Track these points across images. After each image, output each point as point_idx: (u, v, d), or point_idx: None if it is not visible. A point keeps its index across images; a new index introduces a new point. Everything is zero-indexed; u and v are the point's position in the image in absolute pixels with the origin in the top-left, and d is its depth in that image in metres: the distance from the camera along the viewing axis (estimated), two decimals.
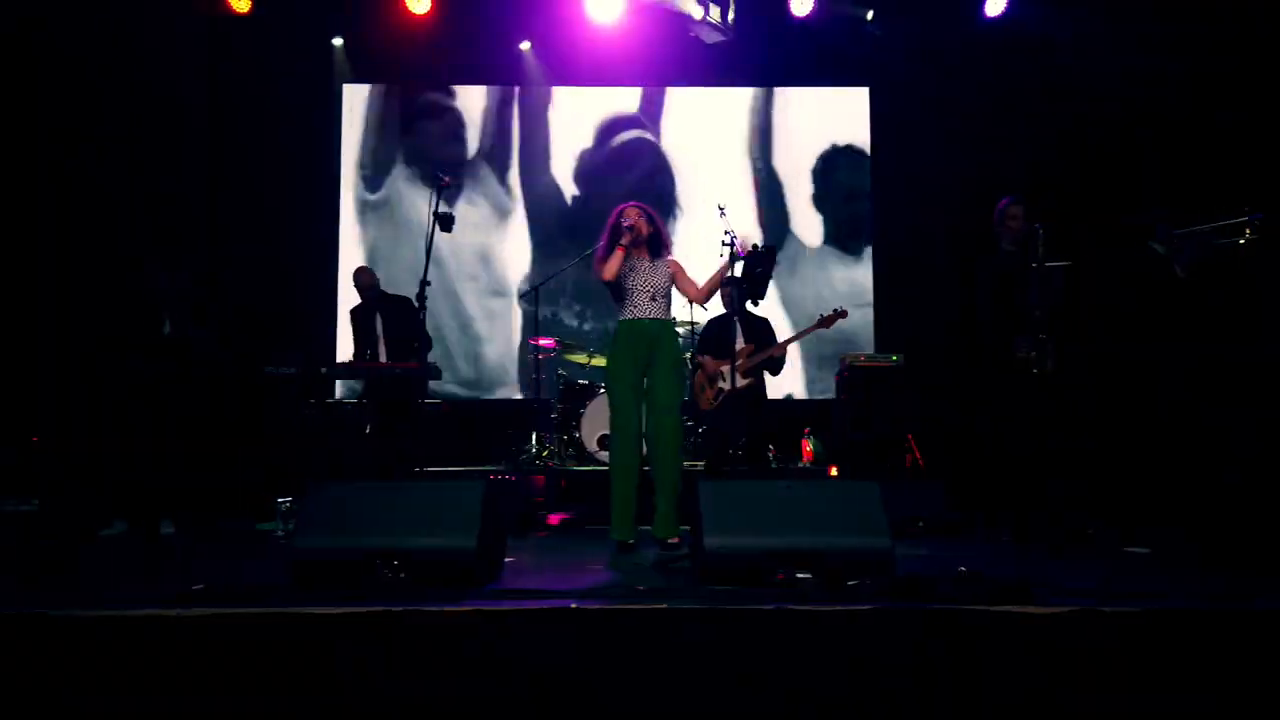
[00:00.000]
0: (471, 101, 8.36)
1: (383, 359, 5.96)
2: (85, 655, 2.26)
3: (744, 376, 5.73)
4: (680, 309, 4.95)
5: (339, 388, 7.52)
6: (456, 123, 8.36)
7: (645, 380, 4.26)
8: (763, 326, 5.98)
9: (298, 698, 2.24)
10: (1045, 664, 2.31)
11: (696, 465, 6.03)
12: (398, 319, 5.99)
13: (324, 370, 5.10)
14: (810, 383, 8.09)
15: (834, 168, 8.31)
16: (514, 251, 8.20)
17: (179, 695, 2.23)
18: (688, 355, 6.12)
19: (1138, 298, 4.61)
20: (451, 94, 8.37)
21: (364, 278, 6.19)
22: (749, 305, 5.08)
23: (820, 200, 8.31)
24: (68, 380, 5.90)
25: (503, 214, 8.25)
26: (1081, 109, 7.36)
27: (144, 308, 5.37)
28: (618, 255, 4.18)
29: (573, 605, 2.42)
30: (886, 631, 2.36)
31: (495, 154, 8.33)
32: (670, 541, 4.05)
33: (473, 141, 8.32)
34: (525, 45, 8.17)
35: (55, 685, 2.23)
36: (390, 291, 6.25)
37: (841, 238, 8.28)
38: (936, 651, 2.33)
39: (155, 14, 7.16)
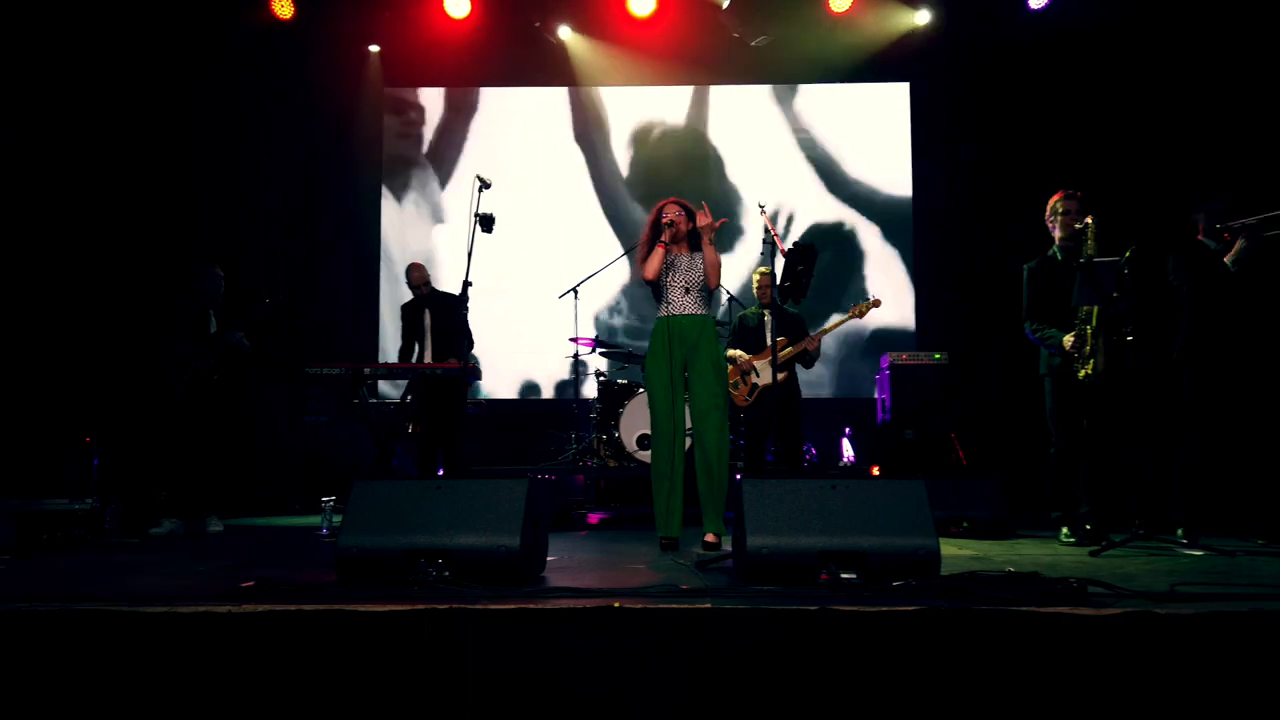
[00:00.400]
0: (512, 102, 8.42)
1: (428, 356, 6.02)
2: (140, 651, 2.31)
3: (779, 371, 5.70)
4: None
5: (383, 386, 7.61)
6: (497, 123, 8.42)
7: (686, 377, 4.24)
8: (795, 320, 5.94)
9: (344, 693, 2.26)
10: (1101, 669, 2.26)
11: (735, 463, 6.01)
12: (445, 316, 6.05)
13: (366, 371, 5.15)
14: (849, 381, 8.02)
15: (874, 163, 8.24)
16: (553, 249, 8.23)
17: (229, 690, 2.26)
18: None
19: (1191, 292, 4.51)
20: (493, 95, 8.43)
21: (414, 274, 6.26)
22: (790, 304, 5.02)
23: (860, 196, 8.24)
24: (125, 381, 6.04)
25: (540, 212, 8.29)
26: (1130, 98, 7.21)
27: (193, 307, 5.48)
28: (658, 253, 4.17)
29: (616, 604, 2.41)
30: (933, 633, 2.32)
31: (532, 153, 8.37)
32: (714, 540, 4.04)
33: (513, 141, 8.37)
34: (564, 34, 8.15)
35: (108, 680, 2.27)
36: (440, 289, 6.29)
37: (881, 234, 8.21)
38: (985, 654, 2.29)
39: (204, 22, 7.29)
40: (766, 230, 3.99)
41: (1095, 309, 4.14)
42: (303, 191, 8.03)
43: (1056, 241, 4.63)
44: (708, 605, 2.43)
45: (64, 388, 6.27)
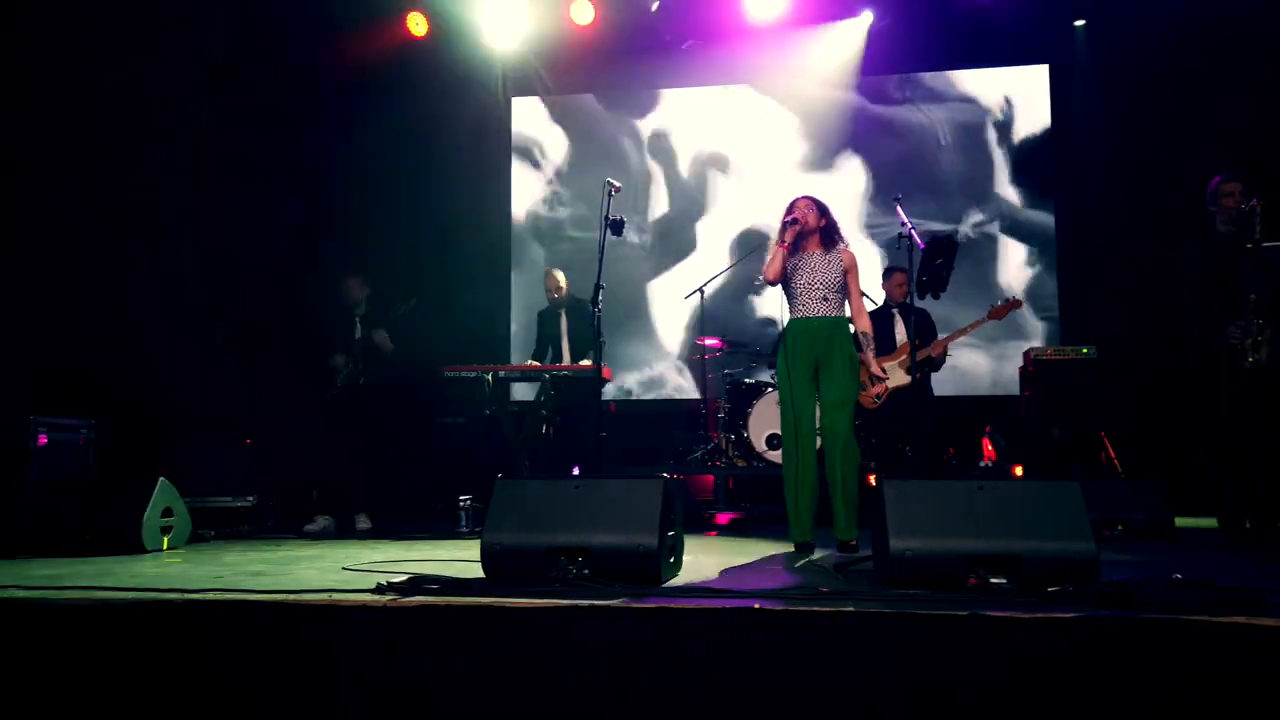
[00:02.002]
0: (640, 105, 8.48)
1: (565, 359, 6.14)
2: (303, 639, 2.44)
3: (906, 373, 5.53)
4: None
5: (516, 389, 7.80)
6: (626, 127, 8.50)
7: (817, 378, 4.17)
8: (923, 320, 5.73)
9: (491, 685, 2.33)
10: None
11: (868, 464, 5.87)
12: (580, 321, 6.17)
13: (501, 374, 5.30)
14: (988, 377, 7.70)
15: (1015, 150, 7.90)
16: (682, 250, 8.26)
17: (385, 679, 2.37)
18: None
19: None
20: (618, 100, 8.51)
21: (550, 280, 6.41)
22: (929, 299, 4.86)
23: (1000, 186, 7.91)
24: (283, 387, 6.41)
25: (671, 213, 8.33)
26: None
27: (341, 319, 5.76)
28: (779, 254, 4.12)
29: (756, 606, 2.39)
30: (1094, 642, 2.20)
31: (663, 155, 8.42)
32: (849, 543, 3.96)
33: (643, 143, 8.44)
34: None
35: (274, 667, 2.42)
36: (577, 296, 6.42)
37: (1023, 224, 7.86)
38: (1151, 665, 2.16)
39: (340, 42, 7.68)
40: (903, 224, 3.87)
41: (1262, 296, 3.84)
42: (440, 199, 8.31)
43: (1218, 227, 4.33)
44: (851, 609, 2.39)
45: (229, 392, 6.69)
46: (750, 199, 8.11)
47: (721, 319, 8.01)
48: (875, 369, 4.21)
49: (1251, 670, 2.12)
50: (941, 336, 5.77)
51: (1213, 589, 2.44)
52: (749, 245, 7.74)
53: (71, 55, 5.86)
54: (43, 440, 4.93)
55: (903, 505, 2.78)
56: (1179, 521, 4.70)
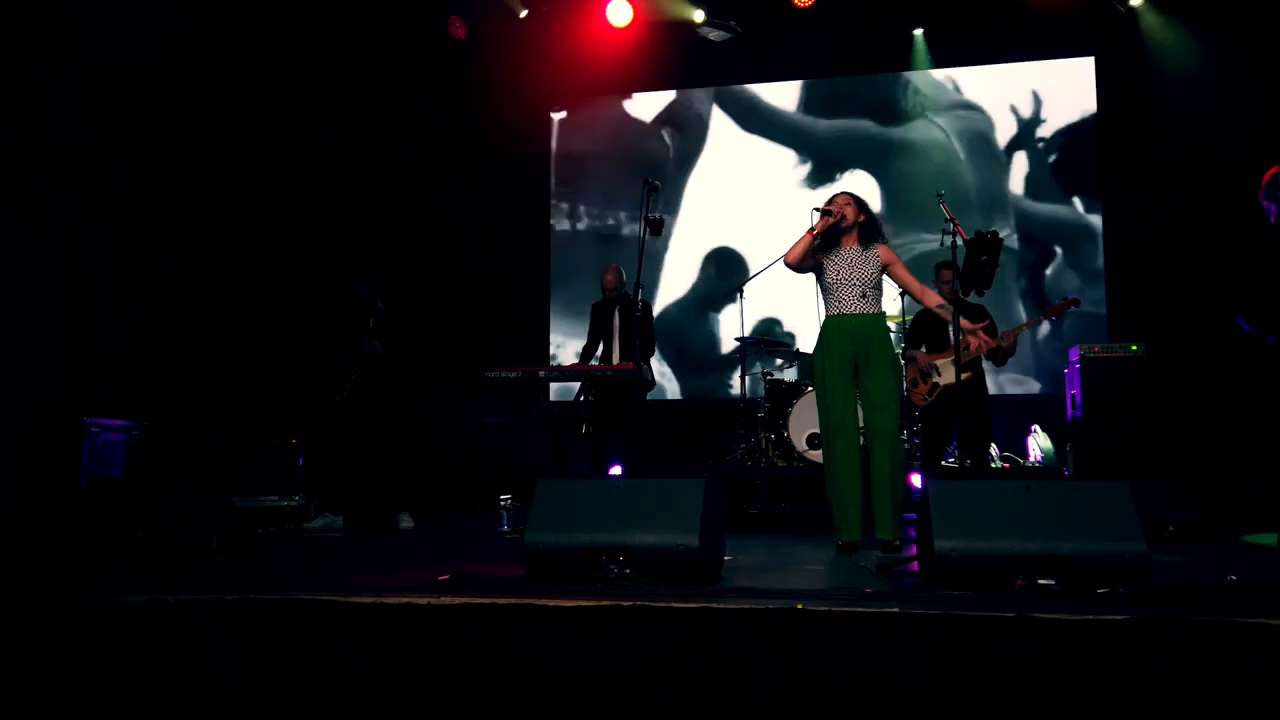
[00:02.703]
0: (676, 105, 8.48)
1: (615, 356, 6.16)
2: (348, 638, 2.47)
3: (964, 370, 5.43)
4: (890, 302, 4.75)
5: (554, 389, 7.83)
6: (665, 126, 8.50)
7: (858, 377, 4.13)
8: (978, 313, 5.64)
9: (535, 684, 2.34)
10: None
11: (911, 464, 5.80)
12: (631, 319, 6.19)
13: (541, 374, 5.31)
14: (1034, 375, 7.58)
15: (1058, 144, 7.76)
16: (719, 250, 8.24)
17: (429, 676, 2.39)
18: (900, 349, 5.90)
19: None
20: (654, 99, 8.52)
21: (607, 276, 6.44)
22: (972, 296, 4.78)
23: (1045, 179, 7.78)
24: (320, 386, 6.48)
25: (710, 212, 8.32)
26: None
27: (353, 318, 5.77)
28: (803, 240, 4.08)
29: (799, 606, 2.38)
30: (1146, 645, 2.15)
31: (699, 154, 8.40)
32: (893, 543, 3.91)
33: (678, 144, 8.44)
34: (713, 36, 8.16)
35: (320, 665, 2.45)
36: (630, 294, 6.43)
37: (1065, 217, 7.72)
38: (1206, 669, 2.11)
39: (387, 44, 7.77)
40: (946, 220, 3.82)
41: None
42: (482, 201, 8.37)
43: (1273, 219, 4.20)
44: (895, 609, 2.36)
45: (275, 392, 6.80)
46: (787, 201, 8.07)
47: (761, 318, 7.97)
48: (925, 365, 4.14)
49: None
50: (1003, 330, 5.68)
51: (1270, 590, 2.38)
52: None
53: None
54: (96, 441, 5.05)
55: (948, 505, 2.75)
56: (1235, 522, 4.59)
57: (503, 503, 5.29)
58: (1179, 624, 2.15)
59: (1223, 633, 2.13)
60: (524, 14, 8.08)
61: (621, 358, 6.06)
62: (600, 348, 6.29)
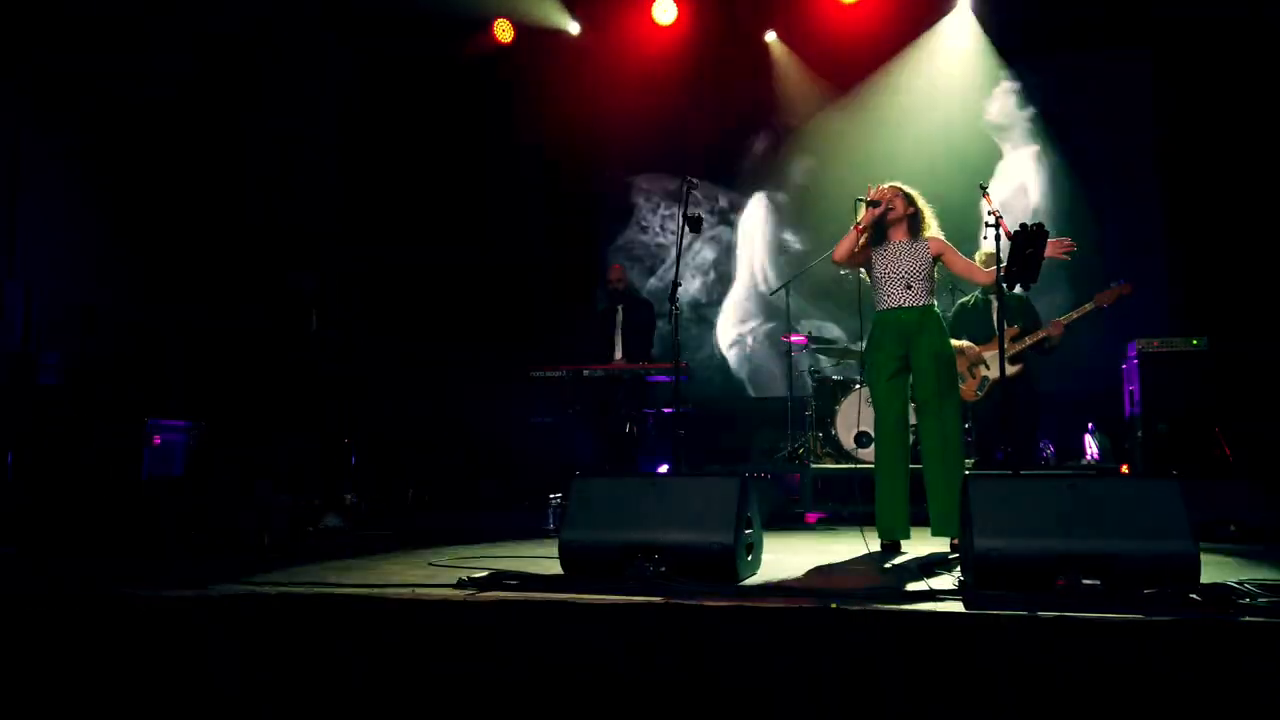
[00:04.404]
0: (722, 103, 8.44)
1: (618, 354, 6.18)
2: (379, 634, 2.52)
3: (1011, 363, 5.31)
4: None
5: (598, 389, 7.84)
6: (705, 122, 8.46)
7: (910, 374, 4.06)
8: (1024, 305, 5.51)
9: (565, 679, 2.35)
10: None
11: (966, 462, 5.70)
12: (635, 322, 6.21)
13: (585, 373, 5.34)
14: (1090, 370, 7.36)
15: (1113, 137, 7.54)
16: (766, 248, 8.19)
17: (462, 670, 2.42)
18: None
19: None
20: (701, 95, 8.47)
21: (612, 274, 6.47)
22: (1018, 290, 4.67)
23: (1098, 172, 7.57)
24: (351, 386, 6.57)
25: (758, 209, 8.27)
26: None
27: (290, 311, 5.79)
28: (850, 236, 4.02)
29: (834, 605, 2.35)
30: (1190, 647, 2.08)
31: (743, 152, 8.36)
32: (953, 543, 3.84)
33: (722, 142, 8.40)
34: (771, 36, 8.14)
35: (351, 659, 2.49)
36: (636, 294, 6.46)
37: (1124, 211, 7.50)
38: (1252, 672, 2.03)
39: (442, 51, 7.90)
40: (990, 212, 3.73)
41: None
42: (537, 200, 8.45)
43: None
44: (930, 609, 2.32)
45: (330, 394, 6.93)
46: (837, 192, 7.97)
47: (807, 316, 7.90)
48: (975, 358, 4.04)
49: None
50: (1052, 320, 5.53)
51: None
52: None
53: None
54: (156, 441, 5.21)
55: (989, 503, 2.69)
56: None
57: (552, 501, 5.33)
58: (1224, 626, 2.08)
59: (1270, 635, 2.05)
60: (577, 30, 8.09)
61: (625, 358, 6.08)
62: (606, 351, 6.32)
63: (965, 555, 2.80)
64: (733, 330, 8.26)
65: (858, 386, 6.30)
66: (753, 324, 8.21)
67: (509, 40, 8.22)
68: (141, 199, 6.33)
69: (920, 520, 3.98)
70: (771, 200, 8.29)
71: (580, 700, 2.33)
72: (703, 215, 4.40)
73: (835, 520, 5.99)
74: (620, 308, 6.40)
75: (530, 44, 8.25)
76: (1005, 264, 3.68)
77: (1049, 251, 3.77)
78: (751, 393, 8.13)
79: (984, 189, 3.91)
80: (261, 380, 5.56)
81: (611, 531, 2.91)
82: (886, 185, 4.09)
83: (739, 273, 8.30)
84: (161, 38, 6.19)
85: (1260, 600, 2.30)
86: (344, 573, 3.29)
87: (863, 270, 4.25)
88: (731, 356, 8.22)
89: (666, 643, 2.33)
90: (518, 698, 2.35)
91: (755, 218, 8.31)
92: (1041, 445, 6.10)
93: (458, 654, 2.42)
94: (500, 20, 8.13)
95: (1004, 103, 7.81)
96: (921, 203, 4.13)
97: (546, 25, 8.20)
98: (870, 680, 2.22)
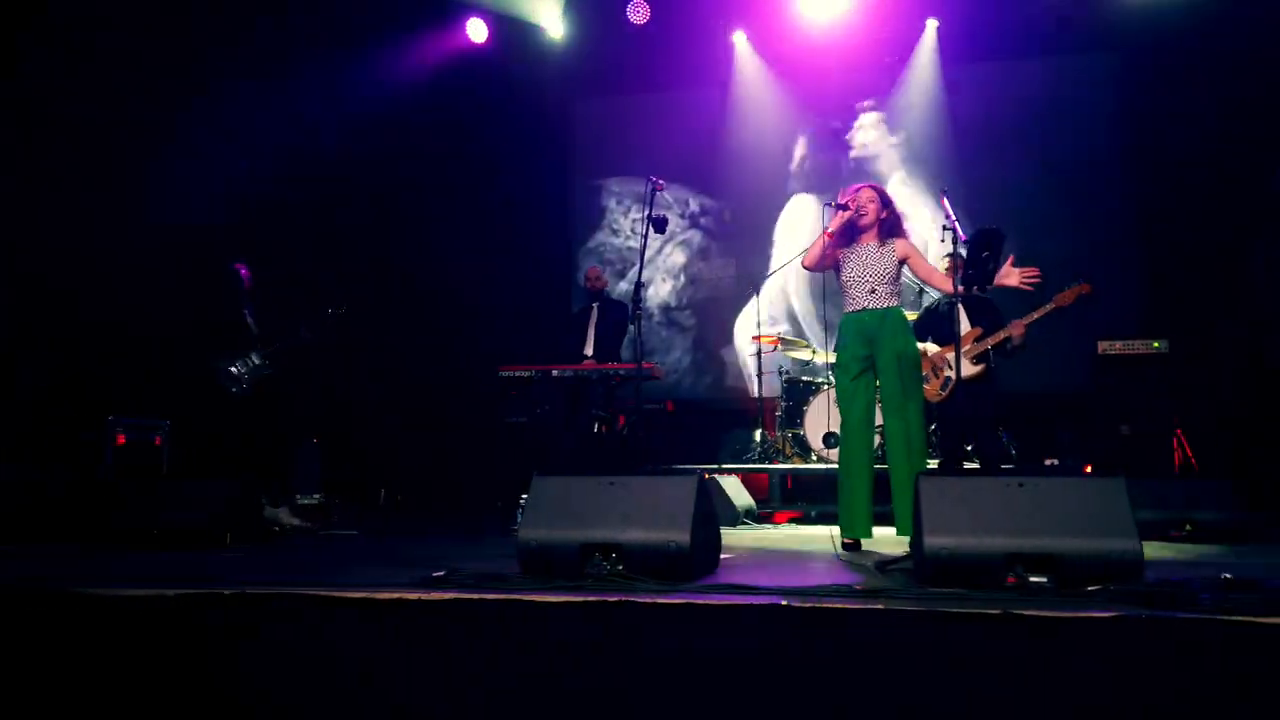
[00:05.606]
0: (690, 103, 8.47)
1: (589, 354, 6.22)
2: (337, 632, 2.52)
3: (973, 364, 5.37)
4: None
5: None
6: (677, 124, 8.49)
7: (875, 375, 4.10)
8: (988, 308, 5.56)
9: (516, 679, 2.37)
10: None
11: (931, 462, 5.75)
12: (609, 320, 6.25)
13: (555, 373, 5.35)
14: (1055, 372, 7.45)
15: (1077, 141, 7.63)
16: (733, 248, 8.23)
17: (415, 670, 2.42)
18: None
19: None
20: (673, 98, 8.51)
21: (590, 273, 6.51)
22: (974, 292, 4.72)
23: (1062, 176, 7.65)
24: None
25: (723, 210, 8.30)
26: None
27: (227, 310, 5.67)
28: (818, 242, 4.05)
29: (783, 602, 2.38)
30: (1130, 643, 2.13)
31: (710, 151, 8.38)
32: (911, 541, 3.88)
33: (694, 142, 8.43)
34: (739, 36, 8.17)
35: (305, 658, 2.50)
36: (613, 297, 6.50)
37: (1088, 215, 7.58)
38: (1192, 667, 2.08)
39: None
40: (947, 216, 3.78)
41: None
42: (501, 204, 8.44)
43: None
44: (880, 606, 2.35)
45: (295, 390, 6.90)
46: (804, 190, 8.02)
47: (778, 316, 7.93)
48: (938, 360, 4.10)
49: None
50: (1012, 321, 5.58)
51: (1264, 590, 2.33)
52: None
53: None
54: (121, 440, 5.17)
55: (939, 502, 2.73)
56: (1263, 523, 4.49)
57: (522, 501, 5.33)
58: (1163, 623, 2.13)
59: (1207, 631, 2.10)
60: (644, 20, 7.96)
61: (596, 358, 6.13)
62: (579, 348, 6.36)
63: (917, 553, 2.84)
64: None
65: (826, 387, 6.35)
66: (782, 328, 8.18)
67: (482, 40, 8.21)
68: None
69: (887, 519, 4.02)
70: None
71: (534, 697, 2.34)
72: (668, 216, 4.40)
73: (803, 520, 6.04)
74: (595, 306, 6.44)
75: (503, 42, 8.24)
76: (963, 267, 3.73)
77: (1012, 281, 3.85)
78: (719, 393, 8.16)
79: (945, 192, 3.96)
80: (228, 378, 5.51)
81: (570, 530, 2.92)
82: (864, 186, 4.11)
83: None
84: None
85: (1202, 597, 2.35)
86: (303, 572, 3.29)
87: (833, 271, 4.28)
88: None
89: (620, 640, 2.35)
90: (470, 696, 2.36)
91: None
92: (1005, 445, 6.16)
93: (408, 653, 2.43)
94: (473, 19, 8.12)
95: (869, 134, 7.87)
96: (897, 207, 4.16)
97: (524, 22, 8.19)
98: (820, 677, 2.25)
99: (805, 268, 4.17)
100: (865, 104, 8.07)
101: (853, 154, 8.06)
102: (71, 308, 5.71)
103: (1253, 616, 2.11)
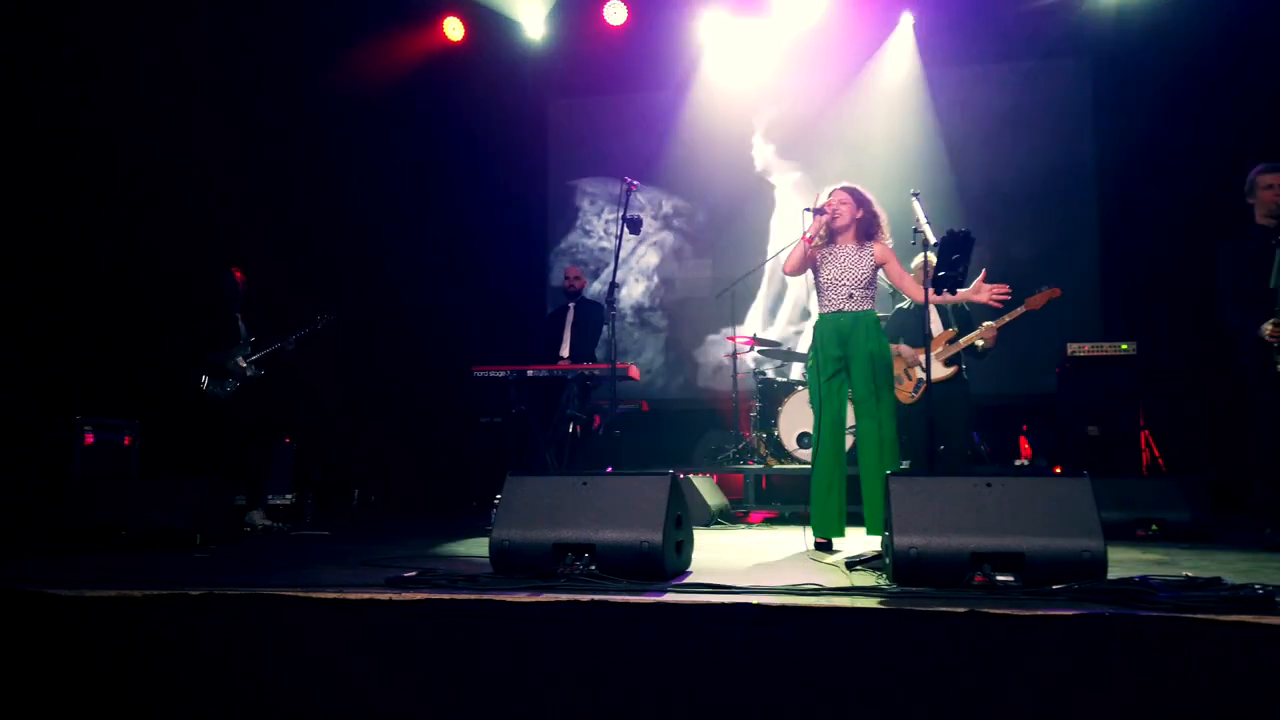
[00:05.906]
0: (665, 104, 8.48)
1: (564, 354, 6.23)
2: (307, 633, 2.51)
3: (946, 365, 5.43)
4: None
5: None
6: (651, 125, 8.50)
7: (850, 376, 4.13)
8: (960, 311, 5.62)
9: (487, 678, 2.37)
10: None
11: (904, 463, 5.80)
12: (585, 321, 6.27)
13: (530, 373, 5.34)
14: (1025, 374, 7.54)
15: (1048, 144, 7.72)
16: (709, 249, 8.25)
17: (387, 670, 2.42)
18: None
19: None
20: (647, 99, 8.52)
21: (569, 273, 6.52)
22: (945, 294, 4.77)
23: (1033, 179, 7.73)
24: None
25: (695, 211, 8.32)
26: None
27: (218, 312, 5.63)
28: (798, 247, 4.07)
29: (753, 602, 2.40)
30: (1092, 640, 2.16)
31: (686, 153, 8.40)
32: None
33: (670, 143, 8.44)
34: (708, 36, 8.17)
35: (275, 659, 2.49)
36: (588, 298, 6.51)
37: (1059, 218, 7.67)
38: (1151, 664, 2.12)
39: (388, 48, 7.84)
40: (917, 219, 3.82)
41: None
42: (478, 201, 8.42)
43: (1257, 219, 4.20)
44: (847, 604, 2.38)
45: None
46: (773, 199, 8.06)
47: (753, 317, 7.96)
48: (910, 362, 4.13)
49: (1256, 670, 2.07)
50: (982, 325, 5.64)
51: (1222, 588, 2.38)
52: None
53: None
54: (89, 440, 5.11)
55: (908, 502, 2.76)
56: (1225, 524, 4.57)
57: (496, 501, 5.32)
58: (1124, 620, 2.17)
59: (1167, 629, 2.14)
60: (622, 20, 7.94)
61: (571, 358, 6.15)
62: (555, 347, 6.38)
63: (886, 552, 2.87)
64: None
65: (800, 388, 6.39)
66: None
67: (459, 39, 8.19)
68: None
69: (860, 519, 4.06)
70: None
71: (506, 697, 2.34)
72: (642, 217, 4.42)
73: (777, 520, 6.07)
74: (572, 306, 6.44)
75: (479, 42, 8.22)
76: (934, 270, 3.77)
77: (982, 298, 3.90)
78: (694, 393, 8.18)
79: (916, 195, 3.99)
80: (198, 380, 5.45)
81: (543, 530, 2.93)
82: (836, 189, 4.13)
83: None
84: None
85: (1162, 595, 2.39)
86: (275, 573, 3.27)
87: (810, 271, 4.30)
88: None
89: (592, 640, 2.36)
90: (441, 696, 2.36)
91: None
92: (978, 446, 6.22)
93: (379, 653, 2.43)
94: (450, 18, 8.10)
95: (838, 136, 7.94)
96: (876, 206, 4.14)
97: (503, 17, 8.17)
98: (790, 675, 2.27)
99: (785, 273, 4.19)
100: (833, 105, 8.10)
101: (822, 156, 8.09)
102: (40, 306, 5.64)
103: (1212, 614, 2.16)
